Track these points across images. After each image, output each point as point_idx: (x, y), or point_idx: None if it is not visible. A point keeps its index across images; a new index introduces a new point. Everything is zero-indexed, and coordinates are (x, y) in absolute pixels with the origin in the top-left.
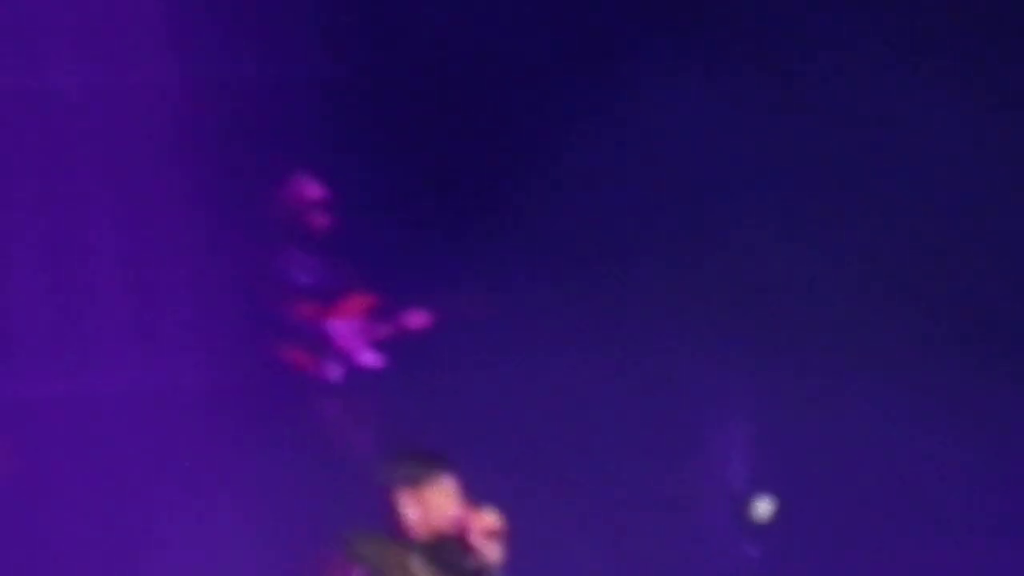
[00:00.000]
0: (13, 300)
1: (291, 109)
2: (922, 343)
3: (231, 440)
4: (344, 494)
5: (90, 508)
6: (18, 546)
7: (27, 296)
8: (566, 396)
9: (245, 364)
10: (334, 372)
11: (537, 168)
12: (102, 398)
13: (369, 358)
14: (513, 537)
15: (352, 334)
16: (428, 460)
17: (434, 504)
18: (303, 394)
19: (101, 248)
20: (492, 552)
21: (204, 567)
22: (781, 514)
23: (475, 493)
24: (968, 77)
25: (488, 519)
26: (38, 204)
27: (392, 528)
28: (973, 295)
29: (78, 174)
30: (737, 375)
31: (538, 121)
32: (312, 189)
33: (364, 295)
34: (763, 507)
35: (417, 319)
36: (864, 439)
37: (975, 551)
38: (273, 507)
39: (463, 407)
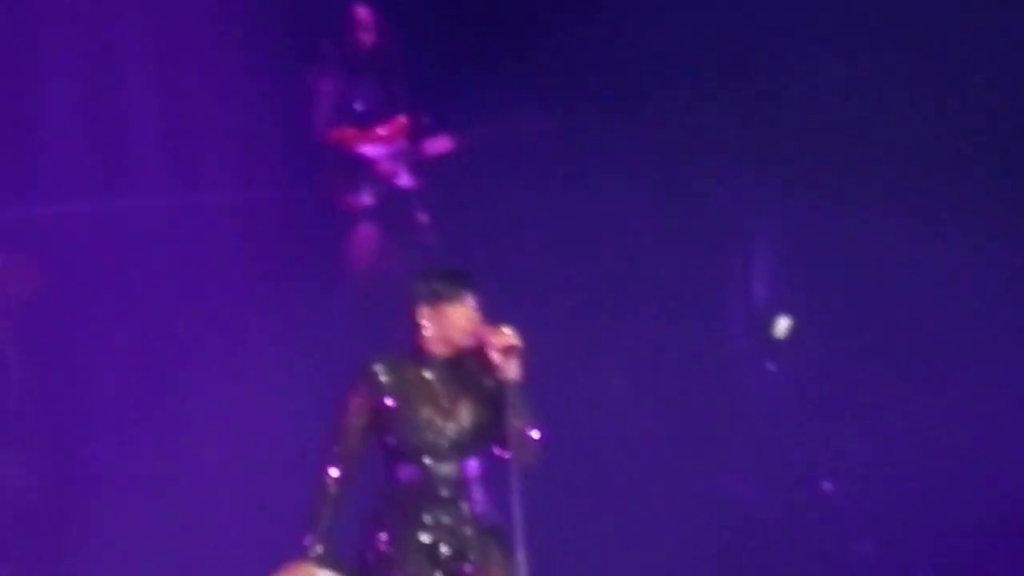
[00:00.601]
0: (43, 114)
1: None
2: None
3: (266, 262)
4: (376, 319)
5: (116, 332)
6: (42, 366)
7: (57, 111)
8: (599, 225)
9: (281, 186)
10: (369, 196)
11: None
12: (134, 217)
13: (405, 180)
14: (533, 357)
15: (388, 158)
16: (450, 278)
17: (453, 321)
18: (338, 217)
19: (135, 63)
20: (511, 369)
21: (235, 395)
22: (800, 333)
23: (498, 315)
24: None
25: (507, 336)
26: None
27: (413, 348)
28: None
29: None
30: (769, 207)
31: None
32: (356, 12)
33: (401, 119)
34: (783, 324)
35: (453, 142)
36: (879, 266)
37: (1002, 374)
38: (307, 333)
39: (497, 231)
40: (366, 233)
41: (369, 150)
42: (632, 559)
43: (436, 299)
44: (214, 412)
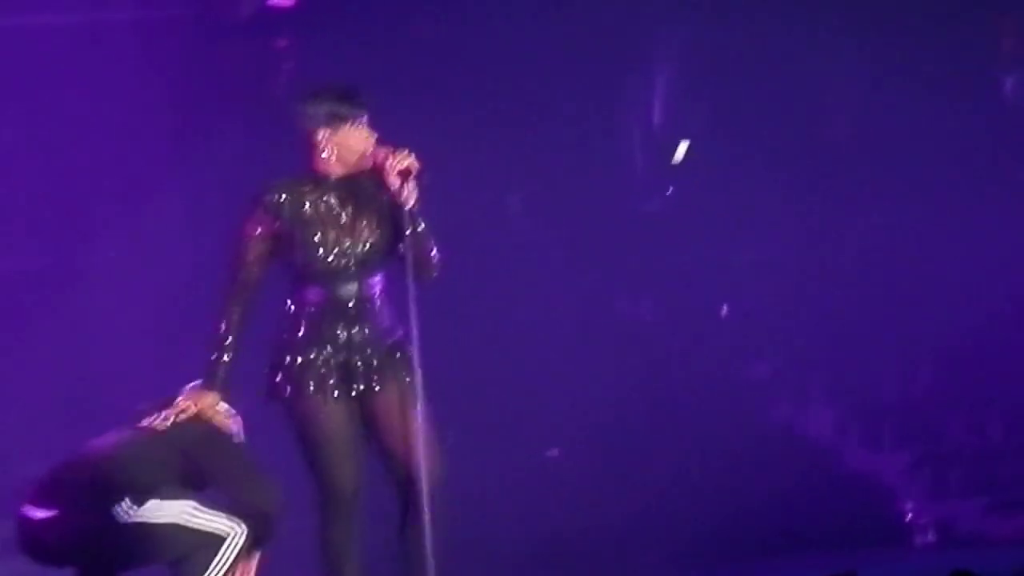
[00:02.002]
0: None
1: None
2: None
3: (165, 83)
4: (267, 140)
5: (13, 155)
6: None
7: None
8: (492, 39)
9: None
10: (245, 8)
11: None
12: (29, 36)
13: None
14: (430, 180)
15: None
16: (345, 96)
17: (351, 143)
18: (220, 34)
19: None
20: (407, 192)
21: (137, 224)
22: (700, 152)
23: (387, 133)
24: None
25: (404, 158)
26: None
27: (309, 170)
28: None
29: None
30: (668, 22)
31: None
32: None
33: None
34: (683, 149)
35: None
36: (783, 77)
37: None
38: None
39: (380, 44)
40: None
41: None
42: (528, 378)
43: (332, 120)
44: (117, 244)
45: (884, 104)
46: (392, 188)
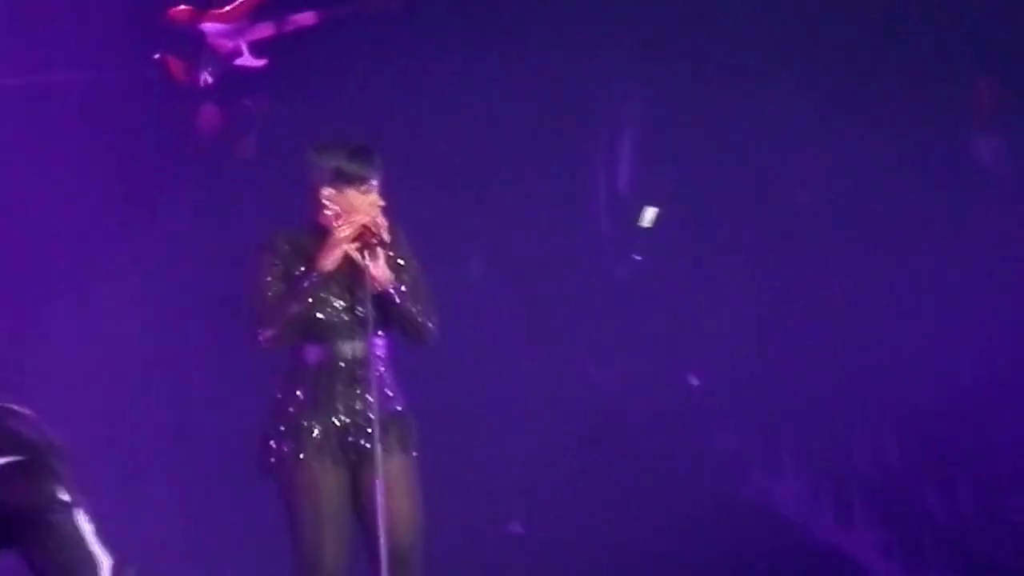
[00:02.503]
0: None
1: None
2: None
3: (112, 144)
4: (229, 203)
5: None
6: None
7: None
8: (458, 105)
9: (118, 65)
10: (208, 76)
11: None
12: None
13: (249, 60)
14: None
15: (231, 35)
16: (357, 156)
17: (355, 205)
18: (182, 99)
19: None
20: (372, 265)
21: (85, 296)
22: (667, 220)
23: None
24: None
25: (374, 230)
26: None
27: (312, 223)
28: None
29: None
30: (633, 89)
31: None
32: None
33: None
34: (649, 213)
35: (306, 18)
36: (748, 151)
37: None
38: (156, 220)
39: (345, 109)
40: (208, 114)
41: (209, 27)
42: (490, 449)
43: (338, 178)
44: (64, 316)
45: (853, 168)
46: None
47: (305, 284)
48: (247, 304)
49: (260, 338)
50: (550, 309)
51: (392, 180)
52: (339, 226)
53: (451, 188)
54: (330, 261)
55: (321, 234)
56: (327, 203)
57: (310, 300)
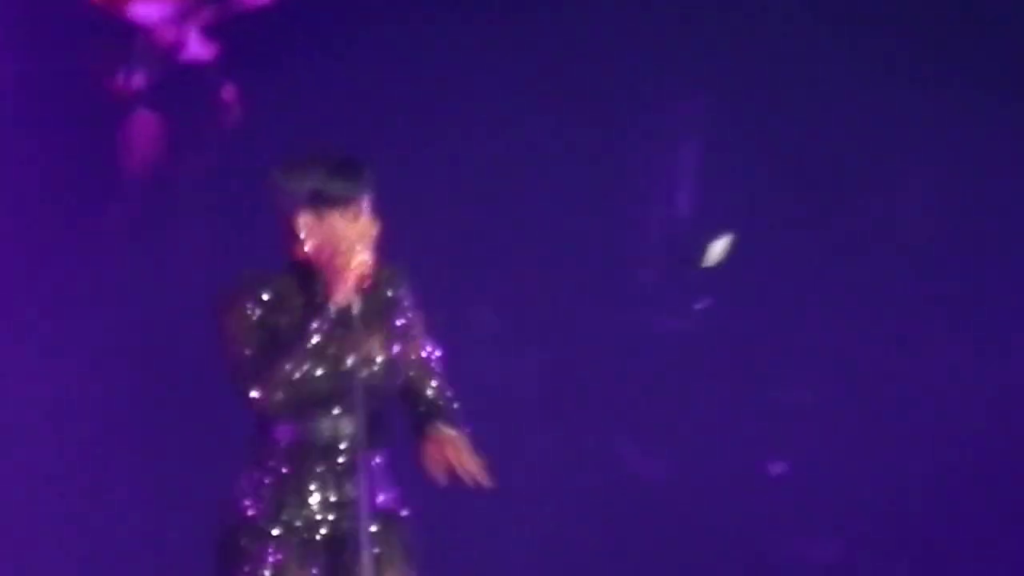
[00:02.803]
0: None
1: None
2: None
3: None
4: (167, 231)
5: None
6: None
7: None
8: (472, 113)
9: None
10: (141, 78)
11: None
12: None
13: (196, 50)
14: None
15: (172, 22)
16: (339, 172)
17: (340, 234)
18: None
19: None
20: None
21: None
22: (735, 262)
23: None
24: None
25: (360, 259)
26: None
27: (290, 264)
28: None
29: None
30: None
31: None
32: None
33: None
34: (717, 249)
35: None
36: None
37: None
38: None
39: (329, 114)
40: (144, 122)
41: (143, 12)
42: (525, 542)
43: (316, 201)
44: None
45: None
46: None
47: (310, 336)
48: (230, 364)
49: (263, 401)
50: (579, 371)
51: (389, 204)
52: (343, 251)
53: (456, 214)
54: (342, 295)
55: (301, 275)
56: (304, 234)
57: (314, 357)
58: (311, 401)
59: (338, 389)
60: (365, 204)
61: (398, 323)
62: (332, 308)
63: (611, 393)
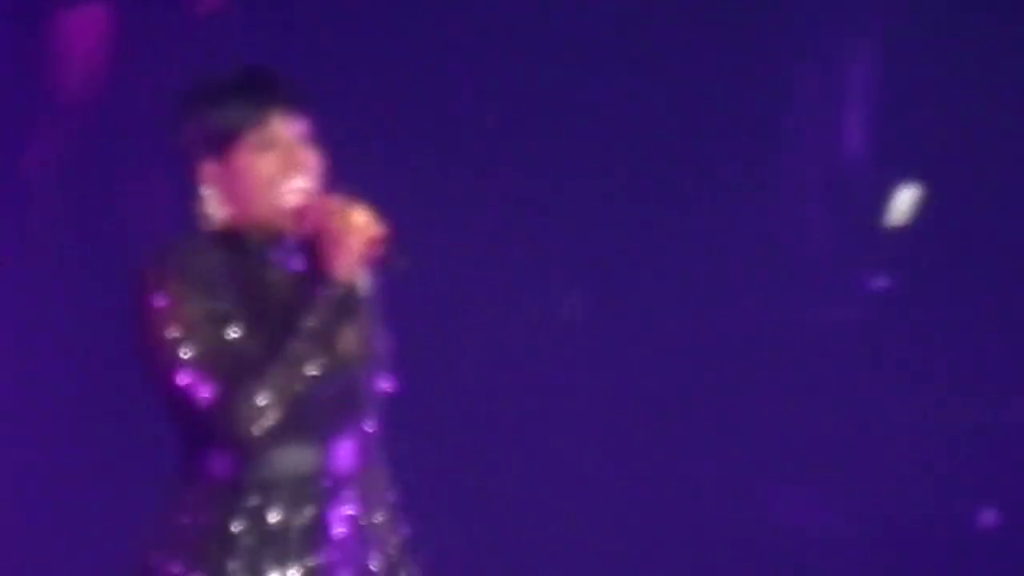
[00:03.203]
0: None
1: None
2: None
3: None
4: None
5: None
6: None
7: None
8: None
9: None
10: None
11: None
12: None
13: None
14: (408, 249)
15: None
16: (243, 90)
17: (254, 171)
18: None
19: None
20: (354, 270)
21: None
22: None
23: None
24: None
25: (360, 222)
26: None
27: (212, 233)
28: None
29: None
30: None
31: None
32: None
33: None
34: (905, 199)
35: None
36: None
37: None
38: None
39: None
40: (89, 19)
41: None
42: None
43: (216, 138)
44: None
45: None
46: (335, 264)
47: (307, 333)
48: (176, 375)
49: (242, 429)
50: (711, 379)
51: (414, 144)
52: (333, 211)
53: (522, 158)
54: (353, 268)
55: (235, 245)
56: (206, 189)
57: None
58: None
59: (329, 399)
60: (287, 127)
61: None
62: (335, 288)
63: (756, 407)
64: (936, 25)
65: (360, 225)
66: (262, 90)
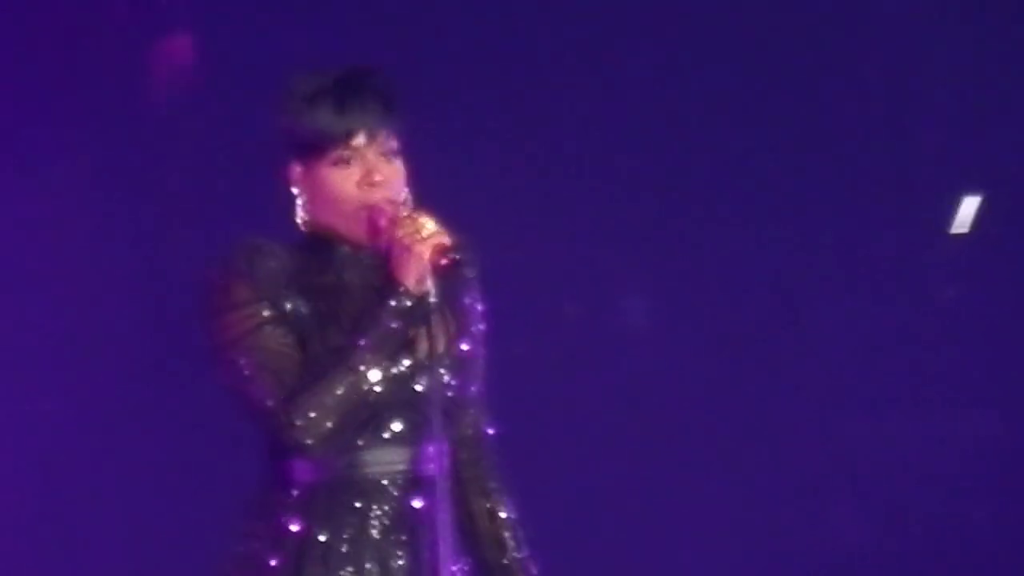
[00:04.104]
0: None
1: None
2: None
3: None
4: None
5: None
6: None
7: None
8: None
9: None
10: None
11: None
12: None
13: None
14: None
15: None
16: (330, 97)
17: (335, 187)
18: None
19: None
20: (424, 280)
21: None
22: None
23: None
24: None
25: (424, 225)
26: None
27: (302, 236)
28: None
29: None
30: None
31: None
32: None
33: None
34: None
35: None
36: None
37: None
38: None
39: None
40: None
41: None
42: None
43: (304, 148)
44: None
45: None
46: (405, 273)
47: (373, 341)
48: (244, 380)
49: (300, 434)
50: (760, 388)
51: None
52: (403, 221)
53: (569, 147)
54: (422, 279)
55: (316, 250)
56: (297, 193)
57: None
58: (361, 425)
59: (397, 403)
60: (375, 141)
61: (468, 316)
62: (405, 297)
63: (814, 423)
64: (1007, 33)
65: (429, 234)
66: (351, 103)
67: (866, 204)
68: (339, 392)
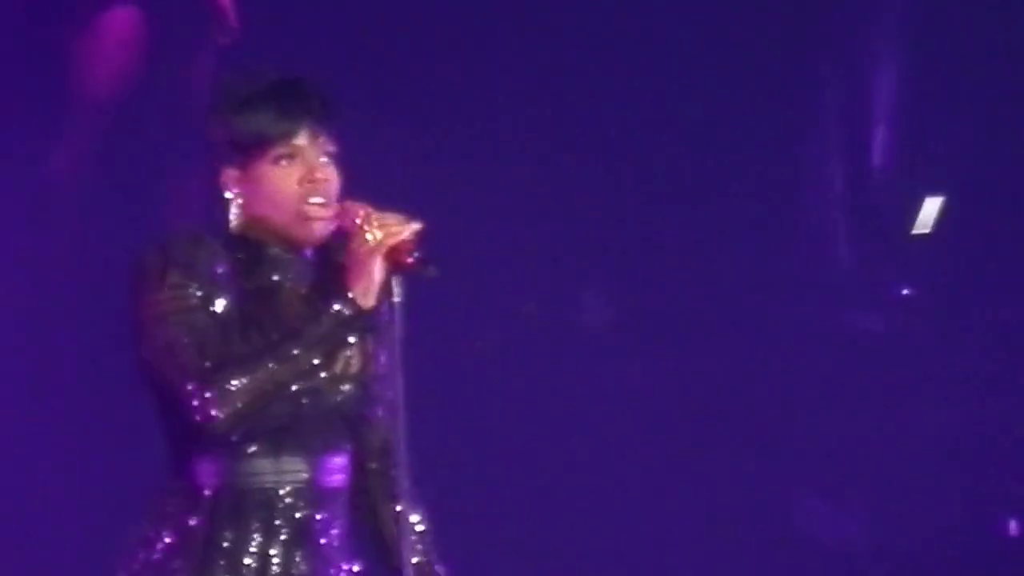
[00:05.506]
0: None
1: None
2: None
3: None
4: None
5: None
6: None
7: None
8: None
9: None
10: None
11: None
12: None
13: None
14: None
15: None
16: (269, 99)
17: (273, 189)
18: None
19: None
20: (370, 295)
21: None
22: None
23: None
24: None
25: (394, 224)
26: None
27: (231, 235)
28: None
29: None
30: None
31: None
32: None
33: None
34: (931, 209)
35: None
36: None
37: None
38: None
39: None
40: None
41: None
42: None
43: (238, 149)
44: None
45: None
46: (354, 285)
47: (304, 340)
48: (159, 348)
49: (211, 406)
50: (736, 393)
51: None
52: (360, 226)
53: (548, 153)
54: (369, 293)
55: (249, 251)
56: (232, 195)
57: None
58: (270, 431)
59: (309, 414)
60: (312, 143)
61: (386, 331)
62: (349, 306)
63: (783, 422)
64: (964, 32)
65: (394, 232)
66: (292, 104)
67: (832, 206)
68: (260, 375)
